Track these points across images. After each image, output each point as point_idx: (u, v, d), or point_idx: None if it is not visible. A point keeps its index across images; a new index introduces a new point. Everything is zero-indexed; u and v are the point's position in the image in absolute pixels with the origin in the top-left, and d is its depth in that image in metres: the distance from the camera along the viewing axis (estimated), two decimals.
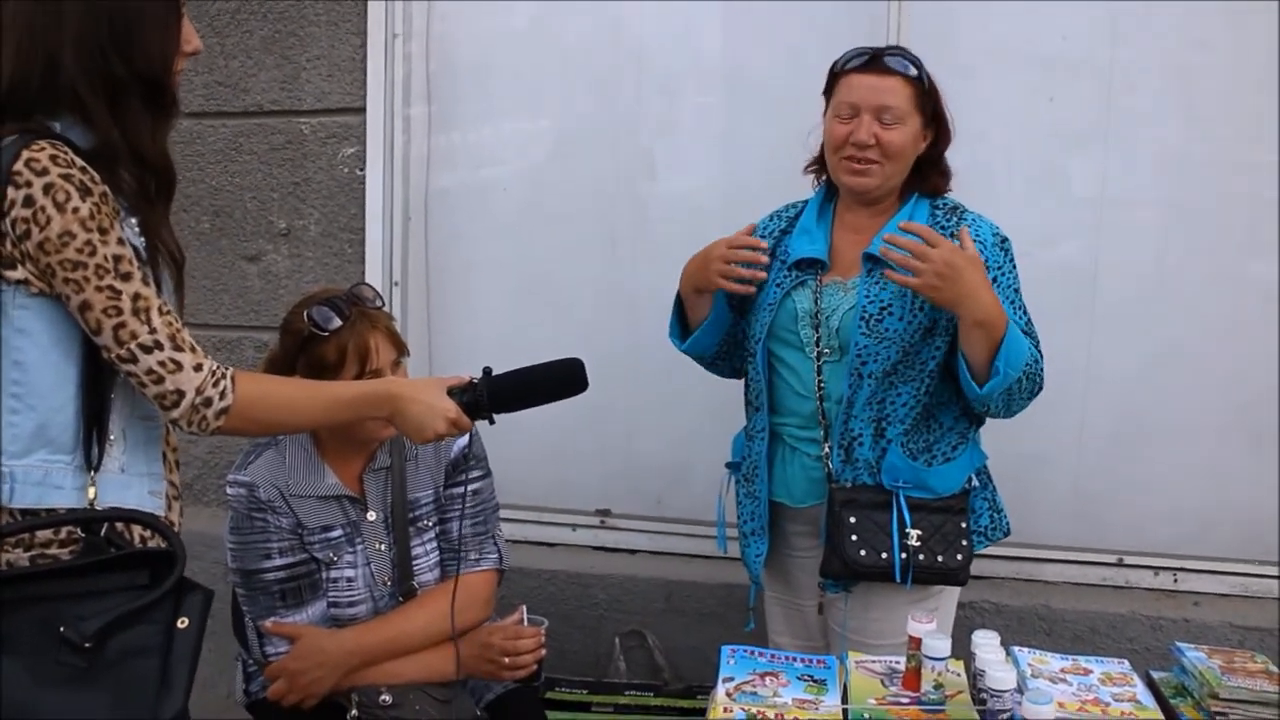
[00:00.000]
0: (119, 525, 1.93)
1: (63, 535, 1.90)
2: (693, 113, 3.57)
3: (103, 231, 1.85)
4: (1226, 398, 3.31)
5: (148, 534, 1.95)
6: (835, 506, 2.51)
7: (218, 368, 1.95)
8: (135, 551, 1.90)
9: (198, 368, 1.92)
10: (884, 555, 2.47)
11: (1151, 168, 3.31)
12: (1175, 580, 3.38)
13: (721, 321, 2.69)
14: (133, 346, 1.87)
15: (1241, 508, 3.33)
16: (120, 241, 1.87)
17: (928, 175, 2.60)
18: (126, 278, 1.87)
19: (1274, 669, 2.23)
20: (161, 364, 1.89)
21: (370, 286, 2.55)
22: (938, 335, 2.50)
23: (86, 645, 1.74)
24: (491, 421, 2.20)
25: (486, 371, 2.19)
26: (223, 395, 1.93)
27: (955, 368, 2.46)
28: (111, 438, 1.95)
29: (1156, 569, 3.39)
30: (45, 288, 1.86)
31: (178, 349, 1.90)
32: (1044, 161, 3.37)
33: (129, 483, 1.97)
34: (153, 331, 1.88)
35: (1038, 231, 3.32)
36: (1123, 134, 3.30)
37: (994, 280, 2.45)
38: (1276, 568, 3.31)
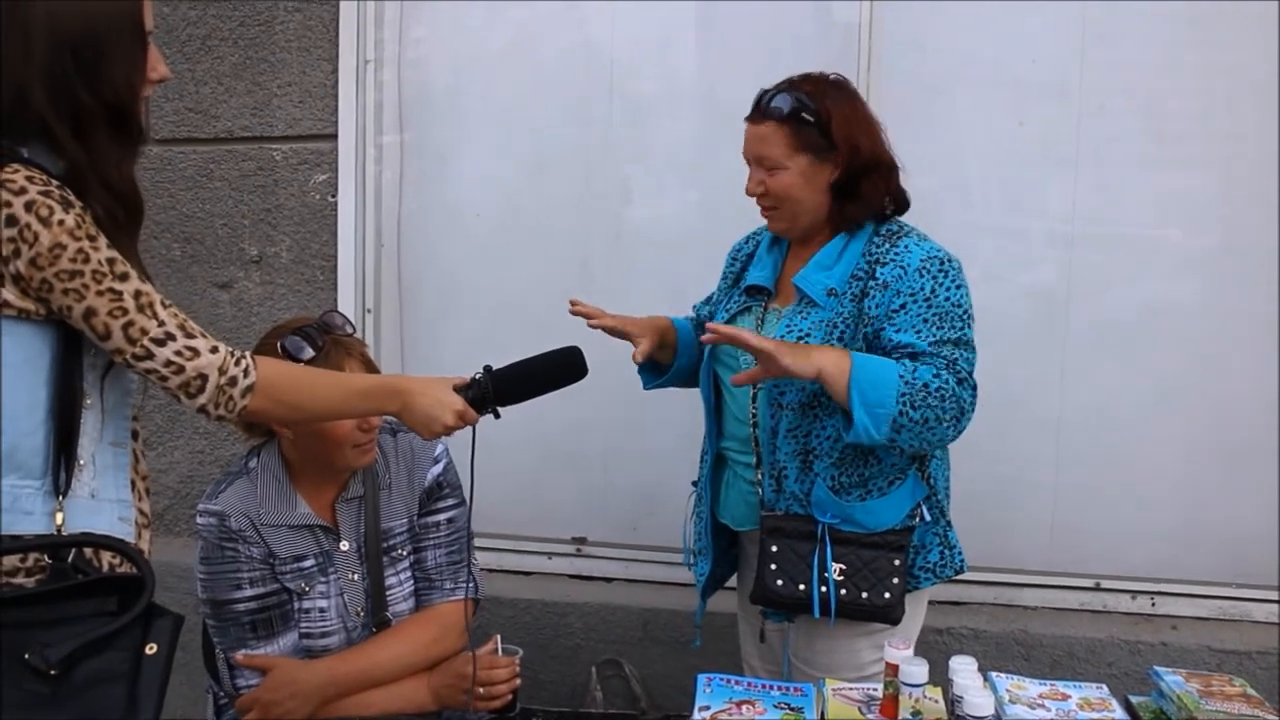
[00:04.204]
0: (87, 551, 1.90)
1: (29, 562, 1.88)
2: (666, 136, 3.57)
3: (91, 238, 1.85)
4: (1202, 420, 3.33)
5: (117, 560, 1.93)
6: (763, 534, 2.49)
7: (234, 349, 1.97)
8: (103, 577, 1.88)
9: (214, 350, 1.94)
10: (802, 587, 2.43)
11: (1122, 191, 3.33)
12: (1153, 604, 3.38)
13: (689, 353, 2.70)
14: (145, 342, 1.88)
15: (1218, 530, 3.35)
16: (110, 245, 1.88)
17: (843, 205, 2.49)
18: (124, 278, 1.88)
19: (1252, 692, 2.24)
20: (179, 353, 1.90)
21: (340, 314, 2.52)
22: None
23: (52, 672, 1.72)
24: (497, 415, 2.22)
25: (487, 368, 2.21)
26: (246, 373, 1.95)
27: None
28: (81, 462, 1.94)
29: (1134, 593, 3.39)
30: (29, 308, 1.85)
31: (189, 336, 1.93)
32: (1015, 184, 3.38)
33: (99, 508, 1.96)
34: (162, 324, 1.90)
35: (1010, 255, 3.34)
36: (1093, 157, 3.32)
37: (903, 306, 2.38)
38: (1277, 591, 3.32)
